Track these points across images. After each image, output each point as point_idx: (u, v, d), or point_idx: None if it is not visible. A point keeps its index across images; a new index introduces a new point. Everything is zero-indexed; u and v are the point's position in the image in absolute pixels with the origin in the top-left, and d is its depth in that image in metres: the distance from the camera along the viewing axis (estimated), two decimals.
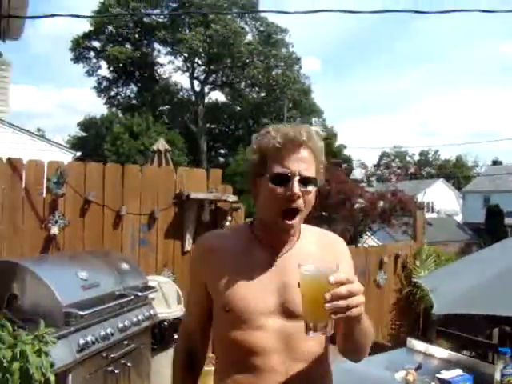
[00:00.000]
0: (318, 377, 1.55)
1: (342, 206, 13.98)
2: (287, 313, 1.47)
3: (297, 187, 1.41)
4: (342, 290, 1.21)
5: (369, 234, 15.78)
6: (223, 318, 1.50)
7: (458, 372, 2.00)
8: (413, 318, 6.58)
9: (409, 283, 6.44)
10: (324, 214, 14.64)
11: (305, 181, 1.44)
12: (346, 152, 26.09)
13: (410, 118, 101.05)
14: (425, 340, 3.21)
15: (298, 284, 1.30)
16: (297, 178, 1.42)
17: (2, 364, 2.29)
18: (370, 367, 2.68)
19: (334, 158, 19.23)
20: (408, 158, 53.00)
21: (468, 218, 32.83)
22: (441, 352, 3.02)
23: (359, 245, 10.62)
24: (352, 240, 13.12)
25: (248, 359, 1.47)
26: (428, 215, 24.80)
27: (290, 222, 1.45)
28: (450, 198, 39.24)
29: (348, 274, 1.29)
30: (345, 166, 18.91)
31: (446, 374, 1.96)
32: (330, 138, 26.35)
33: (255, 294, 1.48)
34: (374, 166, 23.34)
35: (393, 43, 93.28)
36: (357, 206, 14.58)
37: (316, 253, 1.55)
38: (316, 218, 14.54)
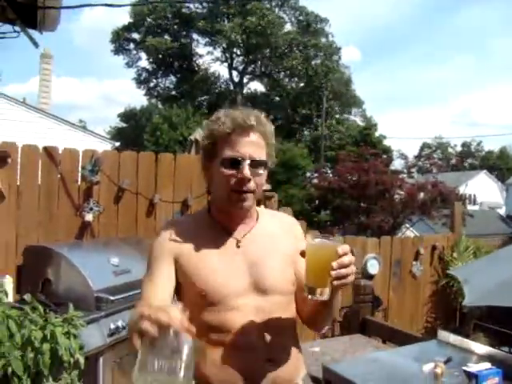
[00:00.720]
0: (294, 349, 1.59)
1: (380, 196, 13.82)
2: (260, 290, 1.53)
3: (247, 170, 1.47)
4: (346, 259, 1.34)
5: (408, 226, 15.55)
6: (198, 302, 1.51)
7: (487, 365, 1.94)
8: (449, 310, 6.44)
9: (445, 275, 6.30)
10: (362, 204, 14.50)
11: (255, 164, 1.49)
12: (386, 142, 25.59)
13: (451, 108, 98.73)
14: (461, 334, 3.12)
15: (302, 254, 1.39)
16: (247, 161, 1.48)
17: (33, 344, 2.35)
18: (397, 358, 2.64)
19: (374, 148, 18.97)
20: (450, 149, 51.83)
21: None
22: (473, 345, 2.93)
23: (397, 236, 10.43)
24: (390, 231, 12.93)
25: (227, 338, 1.49)
26: (470, 207, 24.27)
27: (242, 200, 1.50)
28: (493, 190, 38.21)
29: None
30: (384, 156, 18.61)
31: (473, 367, 1.91)
32: (369, 127, 25.97)
33: (227, 276, 1.52)
34: (415, 156, 22.87)
35: (434, 32, 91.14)
36: (396, 197, 14.38)
37: (277, 232, 1.64)
38: (354, 209, 14.44)
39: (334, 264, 1.33)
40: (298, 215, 6.31)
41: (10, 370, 2.23)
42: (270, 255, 1.58)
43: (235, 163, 1.48)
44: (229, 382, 1.50)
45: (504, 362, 2.56)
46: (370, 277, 5.62)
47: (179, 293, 1.57)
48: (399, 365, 2.50)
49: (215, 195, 1.60)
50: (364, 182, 13.53)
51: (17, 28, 4.07)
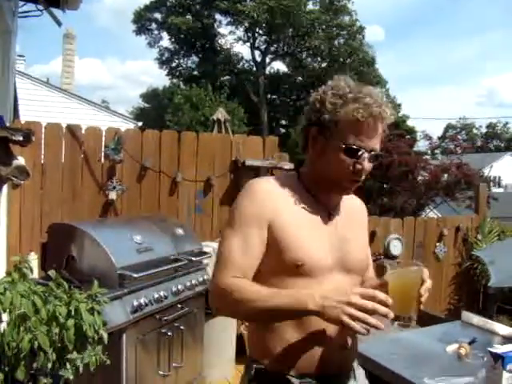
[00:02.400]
0: (357, 337, 1.61)
1: (404, 178, 13.65)
2: (344, 267, 1.53)
3: (367, 165, 1.46)
4: (429, 284, 1.50)
5: (431, 208, 15.38)
6: (290, 271, 1.45)
7: None
8: (472, 293, 6.37)
9: (469, 257, 6.23)
10: (385, 185, 14.36)
11: (374, 157, 1.48)
12: (410, 123, 25.28)
13: (477, 88, 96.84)
14: (484, 316, 3.09)
15: (383, 285, 1.42)
16: (368, 154, 1.45)
17: (58, 320, 2.38)
18: (421, 338, 2.62)
19: (397, 128, 18.71)
20: (475, 131, 50.92)
21: None
22: (498, 327, 2.90)
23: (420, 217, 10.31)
24: (413, 213, 12.80)
25: (307, 319, 1.44)
26: (494, 190, 23.88)
27: (350, 188, 1.54)
28: None
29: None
30: (408, 137, 18.36)
31: (499, 348, 1.88)
32: (392, 108, 25.60)
33: (321, 248, 1.49)
34: (439, 138, 22.53)
35: (459, 10, 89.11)
36: (420, 178, 14.22)
37: (356, 209, 1.71)
38: (376, 190, 14.31)
39: (423, 291, 1.48)
40: None
41: (36, 344, 2.27)
42: (355, 231, 1.61)
43: (357, 153, 1.44)
44: (302, 368, 1.48)
45: None
46: (393, 257, 5.58)
47: None
48: (423, 345, 2.47)
49: (321, 172, 1.53)
50: (387, 163, 13.38)
51: (40, 7, 4.06)
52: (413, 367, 2.21)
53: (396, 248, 5.65)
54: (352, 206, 1.68)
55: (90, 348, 2.38)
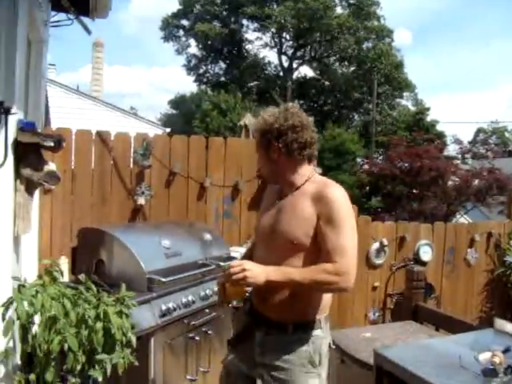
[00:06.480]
0: (289, 295, 2.05)
1: (434, 183, 13.47)
2: (273, 231, 2.10)
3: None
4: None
5: (462, 213, 15.13)
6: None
7: None
8: (505, 300, 6.23)
9: (502, 264, 6.09)
10: (414, 191, 14.17)
11: None
12: (439, 127, 24.87)
13: (508, 91, 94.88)
14: None
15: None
16: None
17: (87, 322, 2.41)
18: (451, 346, 2.57)
19: (426, 133, 18.48)
20: (506, 134, 49.91)
21: None
22: None
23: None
24: (444, 218, 12.62)
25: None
26: None
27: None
28: None
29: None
30: (438, 141, 18.12)
31: None
32: (421, 112, 25.35)
33: (263, 218, 2.21)
34: (470, 142, 22.14)
35: (490, 10, 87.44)
36: (450, 183, 14.01)
37: (307, 197, 2.06)
38: (406, 195, 14.14)
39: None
40: None
41: (66, 346, 2.30)
42: (291, 209, 2.08)
43: None
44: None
45: None
46: (423, 263, 5.49)
47: None
48: (453, 353, 2.41)
49: None
50: (417, 168, 13.21)
51: (70, 16, 4.14)
52: (443, 375, 2.17)
53: (426, 254, 5.56)
54: (308, 190, 2.07)
55: (119, 349, 2.39)
